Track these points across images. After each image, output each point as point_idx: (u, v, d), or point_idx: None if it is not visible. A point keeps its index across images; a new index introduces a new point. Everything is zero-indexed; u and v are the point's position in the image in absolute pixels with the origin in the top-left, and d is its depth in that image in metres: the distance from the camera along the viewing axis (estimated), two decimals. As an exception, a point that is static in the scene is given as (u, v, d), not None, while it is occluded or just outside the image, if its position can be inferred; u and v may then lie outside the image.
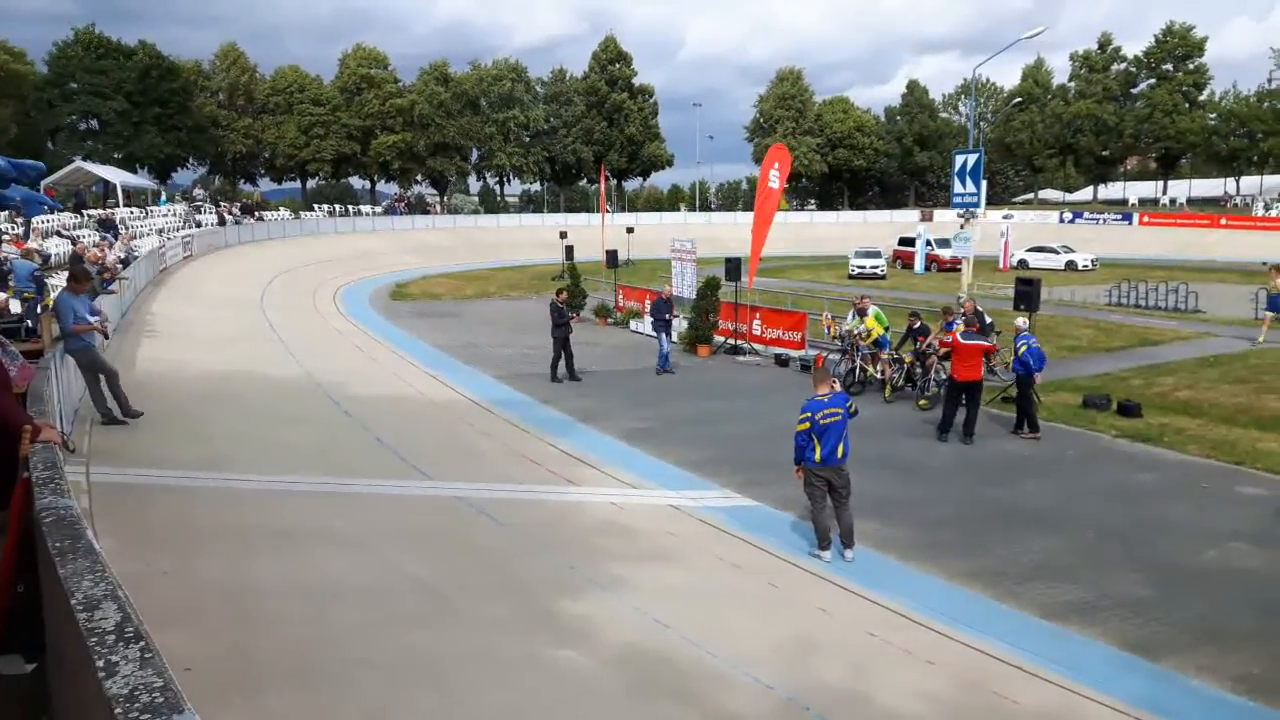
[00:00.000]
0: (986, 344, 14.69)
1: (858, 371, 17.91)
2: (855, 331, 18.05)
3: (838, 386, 10.26)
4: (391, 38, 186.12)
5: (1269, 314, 22.89)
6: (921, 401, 16.50)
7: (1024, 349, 14.40)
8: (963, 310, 17.72)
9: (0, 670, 3.98)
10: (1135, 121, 76.57)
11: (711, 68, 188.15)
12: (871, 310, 18.33)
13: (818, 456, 9.40)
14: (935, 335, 16.79)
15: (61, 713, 3.13)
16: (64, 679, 2.87)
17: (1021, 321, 15.21)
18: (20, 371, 5.54)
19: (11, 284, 16.85)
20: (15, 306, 15.66)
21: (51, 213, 32.38)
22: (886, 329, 18.15)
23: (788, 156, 25.61)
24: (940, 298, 30.53)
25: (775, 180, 23.73)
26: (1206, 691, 6.97)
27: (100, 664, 1.99)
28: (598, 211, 64.07)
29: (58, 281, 21.75)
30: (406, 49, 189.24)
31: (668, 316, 20.92)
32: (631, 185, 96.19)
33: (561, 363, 19.13)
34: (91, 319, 10.38)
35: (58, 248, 27.28)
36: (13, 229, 27.76)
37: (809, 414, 9.37)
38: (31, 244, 25.87)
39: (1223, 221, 63.28)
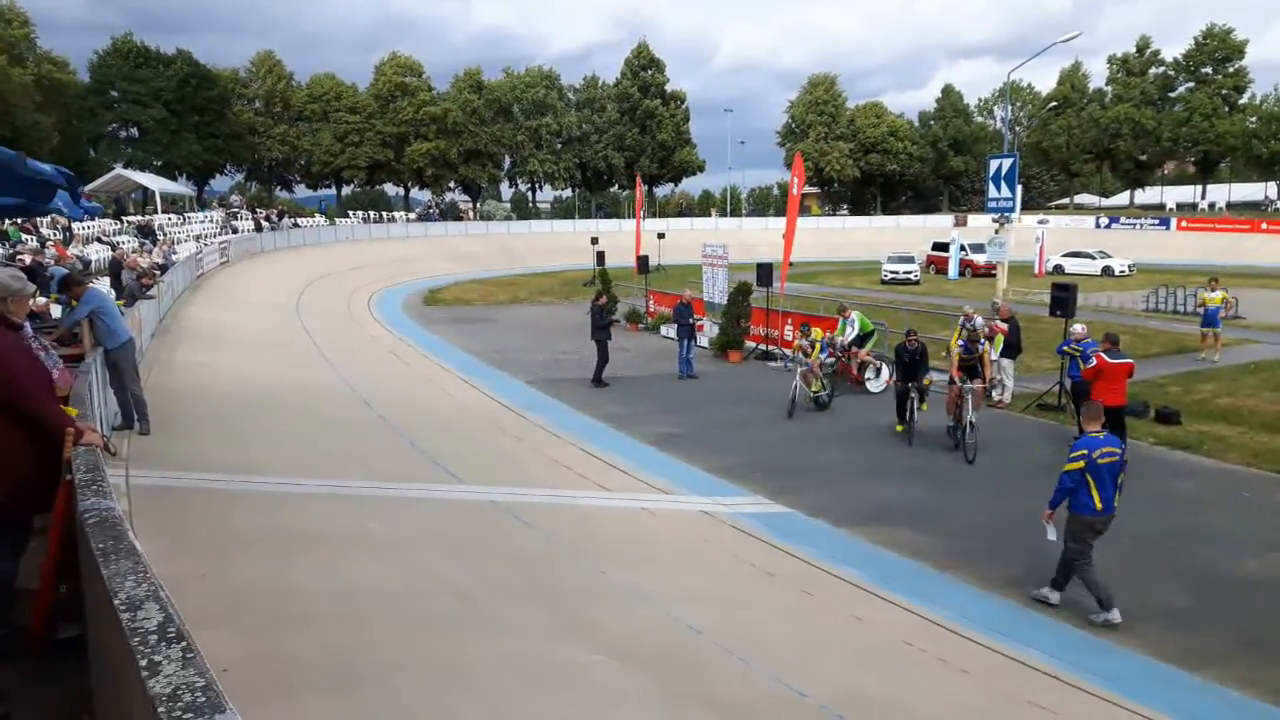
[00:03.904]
0: (1132, 362, 13.36)
1: (795, 390, 16.74)
2: (804, 345, 18.00)
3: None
4: (429, 46, 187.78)
5: (1208, 329, 21.14)
6: (899, 427, 15.30)
7: (1078, 353, 14.16)
8: (998, 314, 17.57)
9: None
10: (1173, 125, 75.47)
11: (746, 73, 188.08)
12: (854, 316, 18.37)
13: (1097, 503, 8.29)
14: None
15: (104, 712, 3.17)
16: (106, 678, 2.90)
17: (1080, 328, 14.93)
18: (59, 376, 5.62)
19: (52, 290, 17.12)
20: (55, 311, 15.92)
21: (92, 219, 32.93)
22: (867, 335, 18.34)
23: (800, 164, 26.85)
24: (974, 304, 30.26)
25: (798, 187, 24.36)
26: (1247, 704, 6.85)
27: (143, 663, 2.00)
28: (629, 217, 64.09)
29: (100, 287, 22.10)
30: (444, 57, 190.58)
31: (690, 321, 20.89)
32: (663, 191, 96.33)
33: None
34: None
35: (98, 254, 27.72)
36: (55, 235, 28.26)
37: (1085, 451, 8.29)
38: (73, 250, 26.32)
39: (1263, 226, 62.06)
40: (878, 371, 18.98)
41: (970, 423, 13.61)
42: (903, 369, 15.18)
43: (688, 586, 8.77)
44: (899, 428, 15.21)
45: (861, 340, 19.09)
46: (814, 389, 17.17)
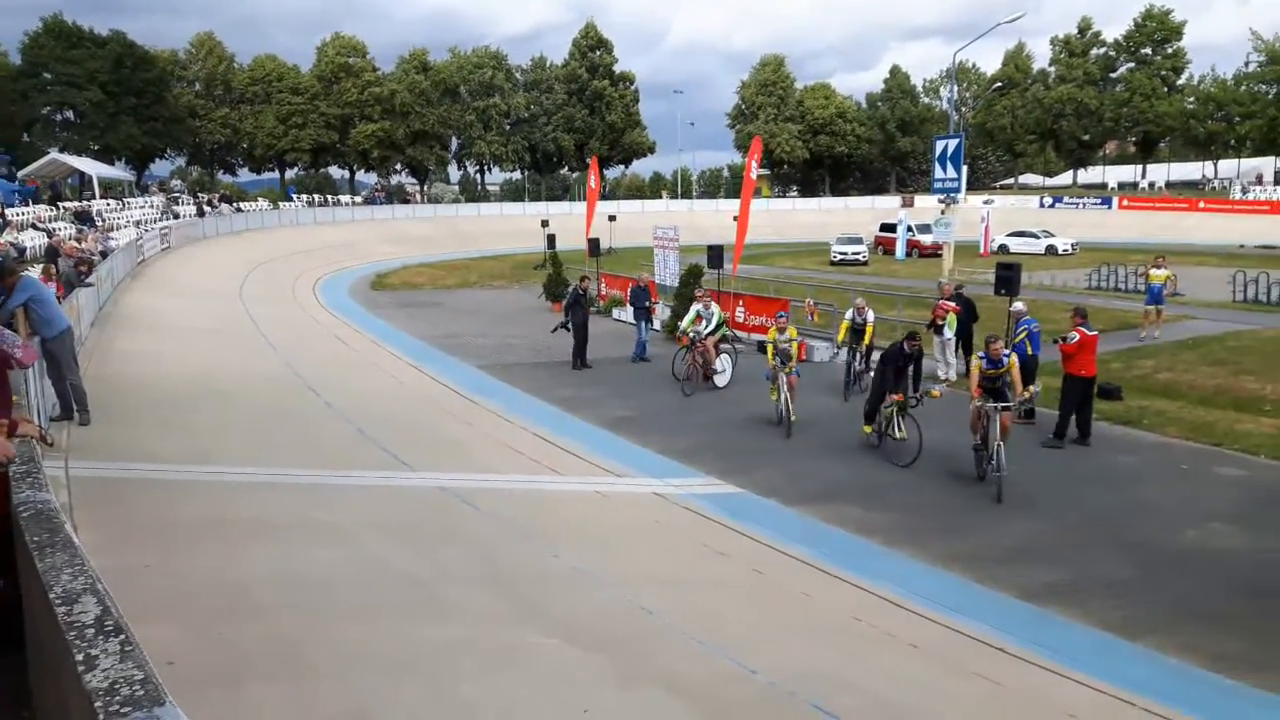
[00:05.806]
0: (1098, 333, 13.98)
1: (784, 401, 14.45)
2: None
3: None
4: (376, 27, 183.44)
5: (1152, 306, 21.36)
6: (866, 429, 13.70)
7: (1024, 334, 14.48)
8: (941, 293, 17.80)
9: None
10: (1114, 105, 76.78)
11: (697, 55, 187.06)
12: (714, 306, 18.51)
13: None
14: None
15: (42, 707, 3.11)
16: (44, 673, 2.85)
17: (1020, 305, 15.19)
18: (25, 353, 5.45)
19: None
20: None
21: (26, 203, 32.05)
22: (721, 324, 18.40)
23: (759, 145, 27.56)
24: (921, 283, 30.64)
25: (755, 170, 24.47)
26: (1187, 670, 7.04)
27: (80, 657, 1.97)
28: (579, 200, 63.74)
29: (35, 273, 21.53)
30: (392, 37, 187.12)
31: (647, 304, 20.99)
32: (613, 173, 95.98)
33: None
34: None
35: (33, 240, 26.99)
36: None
37: None
38: (6, 237, 25.58)
39: (1201, 205, 63.61)
40: (726, 365, 18.40)
41: (998, 449, 11.14)
42: (892, 374, 12.97)
43: (640, 568, 8.80)
44: (866, 429, 13.49)
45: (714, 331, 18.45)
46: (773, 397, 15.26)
